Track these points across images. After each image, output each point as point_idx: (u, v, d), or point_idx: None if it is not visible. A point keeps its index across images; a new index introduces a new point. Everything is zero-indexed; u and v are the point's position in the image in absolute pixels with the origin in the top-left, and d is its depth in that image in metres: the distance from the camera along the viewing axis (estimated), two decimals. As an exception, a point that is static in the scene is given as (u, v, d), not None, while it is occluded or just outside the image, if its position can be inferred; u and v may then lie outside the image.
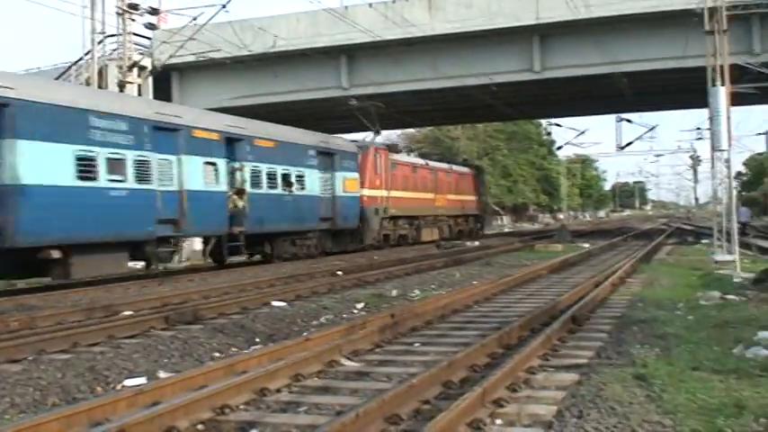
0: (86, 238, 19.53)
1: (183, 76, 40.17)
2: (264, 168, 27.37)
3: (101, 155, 19.97)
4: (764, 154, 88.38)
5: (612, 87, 39.63)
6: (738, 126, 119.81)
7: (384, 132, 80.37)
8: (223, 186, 25.02)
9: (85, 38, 30.89)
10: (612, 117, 55.82)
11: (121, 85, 29.91)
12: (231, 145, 25.74)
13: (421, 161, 44.39)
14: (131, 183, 20.97)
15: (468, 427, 6.44)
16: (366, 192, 34.96)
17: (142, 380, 8.94)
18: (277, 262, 27.60)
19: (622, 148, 57.85)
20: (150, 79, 33.33)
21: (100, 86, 30.71)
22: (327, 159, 31.94)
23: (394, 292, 17.03)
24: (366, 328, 11.14)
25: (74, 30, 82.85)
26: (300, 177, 29.68)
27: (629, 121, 56.30)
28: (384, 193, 36.71)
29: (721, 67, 22.87)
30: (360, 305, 15.23)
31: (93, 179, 19.78)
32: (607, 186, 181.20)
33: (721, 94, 22.64)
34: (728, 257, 22.32)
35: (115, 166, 20.45)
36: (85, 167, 19.54)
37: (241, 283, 19.74)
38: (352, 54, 38.88)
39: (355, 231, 33.93)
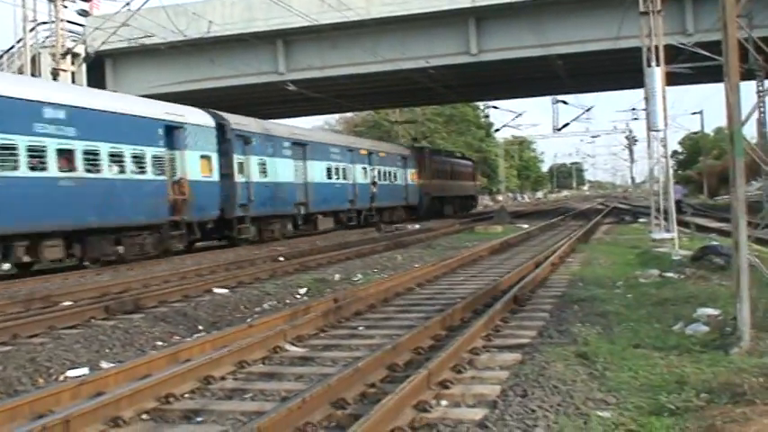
0: (326, 209, 37.61)
1: (117, 62, 39.56)
2: (382, 169, 45.70)
3: (332, 165, 38.76)
4: (699, 133, 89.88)
5: (548, 69, 39.98)
6: (674, 105, 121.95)
7: (322, 117, 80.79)
8: (368, 180, 43.42)
9: (17, 26, 30.35)
10: (549, 99, 56.42)
11: (55, 74, 29.35)
12: (370, 156, 44.32)
13: (444, 158, 61.20)
14: (341, 180, 39.77)
15: (413, 409, 6.48)
16: (421, 181, 52.24)
17: (84, 370, 8.83)
18: (383, 225, 40.69)
19: (559, 129, 58.52)
20: (84, 66, 32.75)
21: (33, 74, 30.16)
22: (403, 160, 50.14)
23: (336, 277, 17.03)
24: (310, 314, 11.14)
25: (5, 18, 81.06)
26: (395, 173, 48.23)
27: (565, 102, 56.96)
28: (428, 181, 53.34)
29: (656, 47, 23.15)
30: (303, 290, 15.22)
31: (330, 178, 38.41)
32: (545, 167, 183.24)
33: (657, 74, 22.92)
34: (666, 235, 22.67)
35: (337, 171, 39.33)
36: (329, 173, 38.27)
37: (182, 270, 19.59)
38: (288, 39, 38.64)
39: (415, 207, 51.27)
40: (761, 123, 32.67)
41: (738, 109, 8.02)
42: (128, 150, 23.42)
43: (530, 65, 39.13)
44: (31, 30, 30.67)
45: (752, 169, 32.38)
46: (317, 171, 36.64)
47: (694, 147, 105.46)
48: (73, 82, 30.26)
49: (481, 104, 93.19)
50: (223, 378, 8.02)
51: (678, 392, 6.46)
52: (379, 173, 44.99)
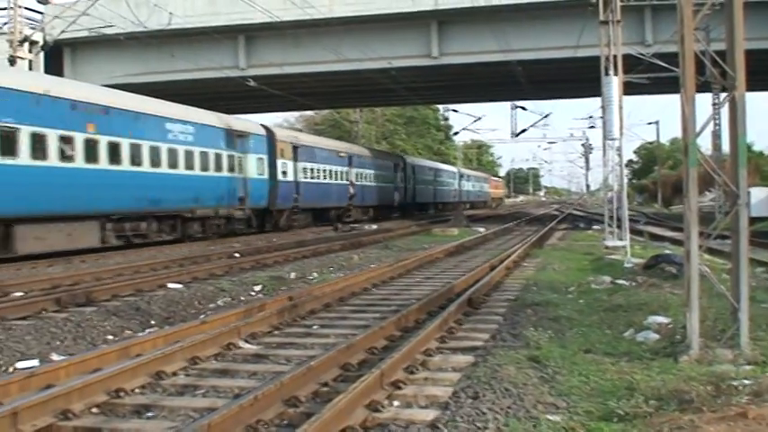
0: (435, 201, 73.22)
1: (76, 51, 39.11)
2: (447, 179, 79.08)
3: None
4: (655, 143, 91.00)
5: (508, 75, 40.23)
6: (630, 115, 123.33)
7: (282, 114, 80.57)
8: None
9: (-27, 12, 29.89)
10: (508, 104, 56.86)
11: (12, 60, 28.92)
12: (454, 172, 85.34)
13: (472, 172, 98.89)
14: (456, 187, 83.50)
15: (365, 408, 6.48)
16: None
17: (35, 362, 8.72)
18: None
19: (517, 134, 59.01)
20: (42, 54, 32.31)
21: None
22: (456, 174, 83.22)
23: (292, 275, 16.99)
24: (264, 311, 11.10)
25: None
26: (452, 182, 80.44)
27: (523, 108, 57.45)
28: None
29: (615, 56, 23.34)
30: (258, 287, 15.17)
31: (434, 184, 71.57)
32: (502, 172, 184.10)
33: (614, 83, 23.10)
34: (619, 243, 22.87)
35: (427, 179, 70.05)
36: (434, 181, 72.09)
37: (135, 264, 19.41)
38: (250, 34, 38.47)
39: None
40: (716, 135, 33.10)
41: (693, 120, 8.12)
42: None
43: (490, 70, 39.37)
44: (-12, 16, 30.24)
45: (706, 180, 32.74)
46: (420, 178, 64.72)
47: (650, 156, 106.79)
48: (30, 69, 29.82)
49: (441, 107, 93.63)
50: (175, 374, 7.96)
51: (627, 398, 6.51)
52: (467, 182, 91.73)
